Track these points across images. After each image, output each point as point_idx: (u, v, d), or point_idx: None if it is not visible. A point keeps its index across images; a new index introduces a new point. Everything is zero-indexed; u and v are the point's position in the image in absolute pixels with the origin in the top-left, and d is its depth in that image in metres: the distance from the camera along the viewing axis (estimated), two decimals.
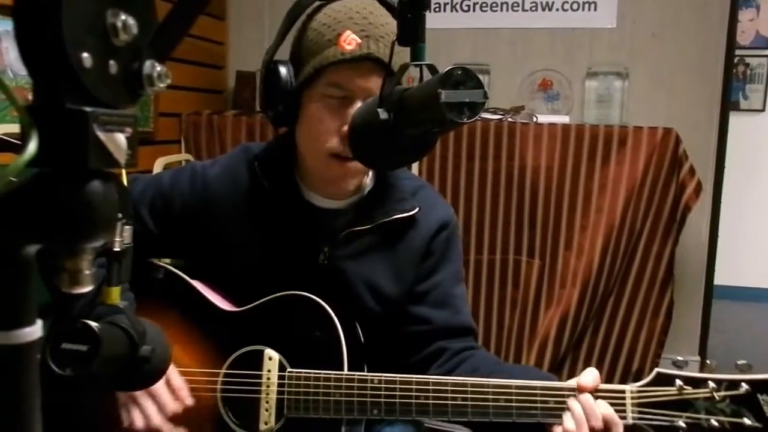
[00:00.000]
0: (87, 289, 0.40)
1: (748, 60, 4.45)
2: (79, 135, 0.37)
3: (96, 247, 0.40)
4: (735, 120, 3.28)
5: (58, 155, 0.37)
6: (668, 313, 2.56)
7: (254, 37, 3.10)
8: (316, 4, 1.03)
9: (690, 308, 2.86)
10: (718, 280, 3.00)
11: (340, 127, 0.99)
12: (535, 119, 2.62)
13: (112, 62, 0.39)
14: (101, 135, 0.38)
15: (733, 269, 4.06)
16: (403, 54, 0.74)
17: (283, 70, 1.04)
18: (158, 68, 0.41)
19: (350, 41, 0.97)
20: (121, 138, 0.39)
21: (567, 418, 0.94)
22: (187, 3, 0.44)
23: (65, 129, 0.37)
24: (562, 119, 2.67)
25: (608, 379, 2.58)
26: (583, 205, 2.53)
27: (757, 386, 0.92)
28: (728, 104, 2.87)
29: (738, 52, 3.92)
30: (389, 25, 0.99)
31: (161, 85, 0.41)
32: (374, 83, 0.97)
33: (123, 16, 0.39)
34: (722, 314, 3.68)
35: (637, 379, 2.78)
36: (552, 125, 2.55)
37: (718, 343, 3.40)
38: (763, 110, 4.48)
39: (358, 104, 0.97)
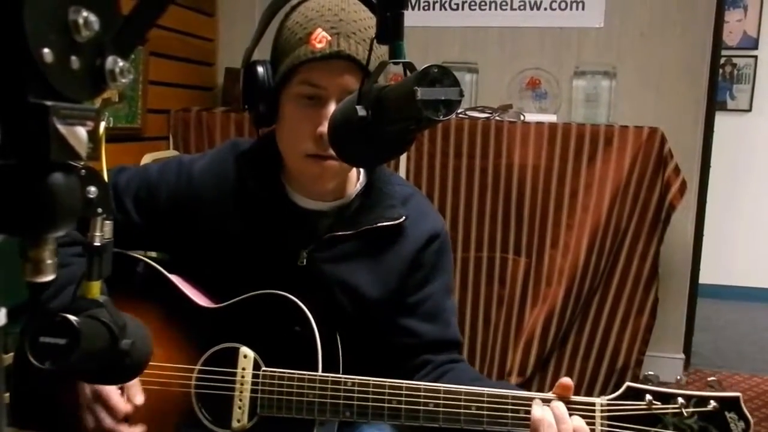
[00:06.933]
0: (49, 278, 0.41)
1: (735, 60, 4.49)
2: (40, 128, 0.38)
3: (58, 237, 0.41)
4: (722, 120, 3.32)
5: (21, 148, 0.39)
6: (653, 312, 2.58)
7: (244, 34, 3.10)
8: (293, 2, 1.02)
9: (675, 306, 2.89)
10: (703, 279, 3.03)
11: (314, 129, 0.99)
12: (522, 118, 2.63)
13: (74, 58, 0.40)
14: (62, 128, 0.39)
15: (718, 268, 4.10)
16: (385, 51, 0.75)
17: (260, 70, 1.04)
18: (121, 64, 0.42)
19: (321, 39, 0.97)
20: (82, 131, 0.40)
21: (536, 407, 0.93)
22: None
23: (27, 122, 0.38)
24: (550, 118, 2.68)
25: (593, 377, 2.60)
26: (569, 203, 2.55)
27: (726, 404, 0.92)
28: (714, 104, 2.90)
29: (725, 52, 3.96)
30: (362, 21, 0.99)
31: (123, 81, 0.42)
32: (347, 80, 0.97)
33: (85, 13, 0.40)
34: (707, 312, 3.71)
35: (621, 377, 2.77)
36: (539, 124, 2.56)
37: (702, 341, 3.44)
38: (749, 110, 4.51)
39: (332, 104, 0.97)
